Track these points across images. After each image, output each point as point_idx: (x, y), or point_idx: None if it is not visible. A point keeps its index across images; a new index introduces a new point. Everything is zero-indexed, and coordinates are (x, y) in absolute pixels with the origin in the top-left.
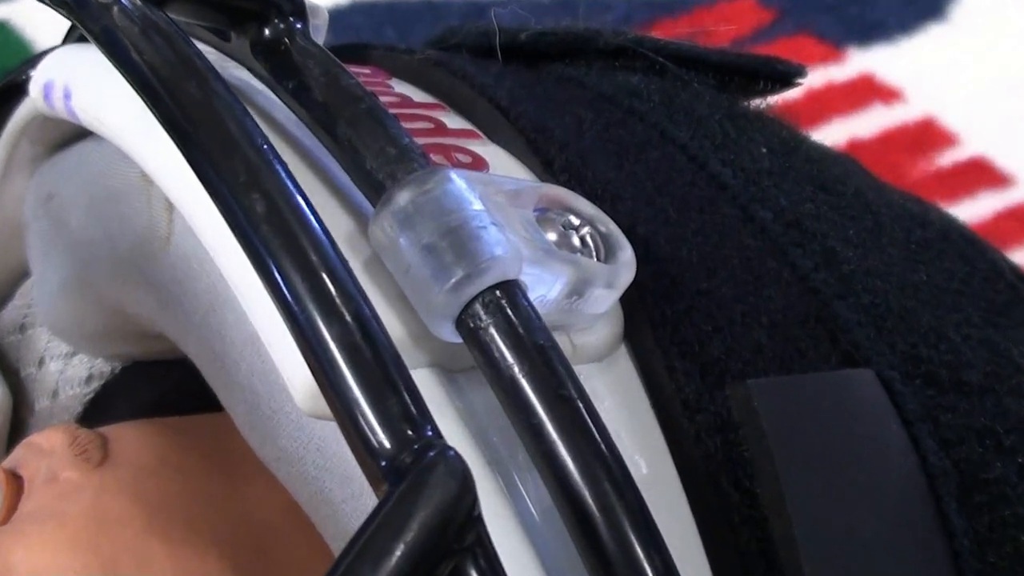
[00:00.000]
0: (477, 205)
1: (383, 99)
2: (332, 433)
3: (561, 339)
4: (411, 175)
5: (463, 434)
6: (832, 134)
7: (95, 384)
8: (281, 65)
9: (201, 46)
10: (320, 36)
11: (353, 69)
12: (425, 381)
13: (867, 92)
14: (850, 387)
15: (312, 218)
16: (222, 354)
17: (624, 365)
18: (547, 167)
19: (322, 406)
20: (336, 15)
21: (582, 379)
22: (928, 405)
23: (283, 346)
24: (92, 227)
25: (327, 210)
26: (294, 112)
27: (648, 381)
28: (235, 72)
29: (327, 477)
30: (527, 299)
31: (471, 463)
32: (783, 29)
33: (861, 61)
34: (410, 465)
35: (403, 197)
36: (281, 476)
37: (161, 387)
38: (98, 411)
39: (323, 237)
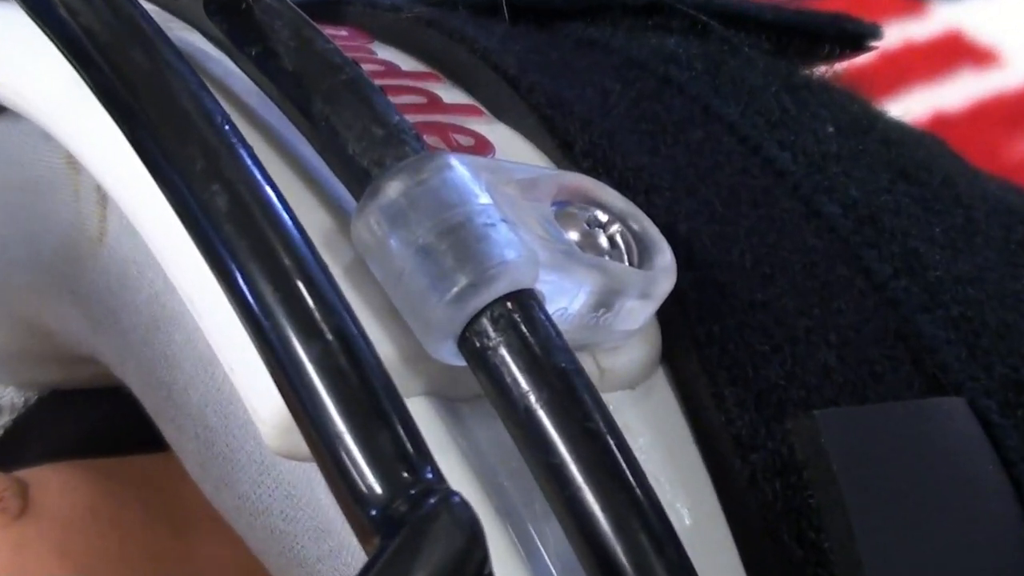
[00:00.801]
0: (484, 198)
1: (364, 68)
2: (304, 476)
3: (586, 361)
4: (403, 161)
5: (468, 477)
6: (912, 106)
7: (5, 418)
8: (241, 27)
9: (144, 3)
10: None
11: (327, 31)
12: (421, 412)
13: (955, 53)
14: (937, 419)
15: (285, 215)
16: (168, 381)
17: (662, 393)
18: (566, 151)
19: (295, 443)
20: None
21: (611, 410)
22: None
23: (248, 370)
24: (3, 225)
25: (300, 204)
26: (257, 84)
27: (692, 412)
28: (183, 35)
29: (298, 531)
30: (545, 312)
31: (478, 512)
32: None
33: (947, 15)
34: (406, 514)
35: (393, 188)
36: (241, 529)
37: (87, 421)
38: (9, 451)
39: (299, 238)
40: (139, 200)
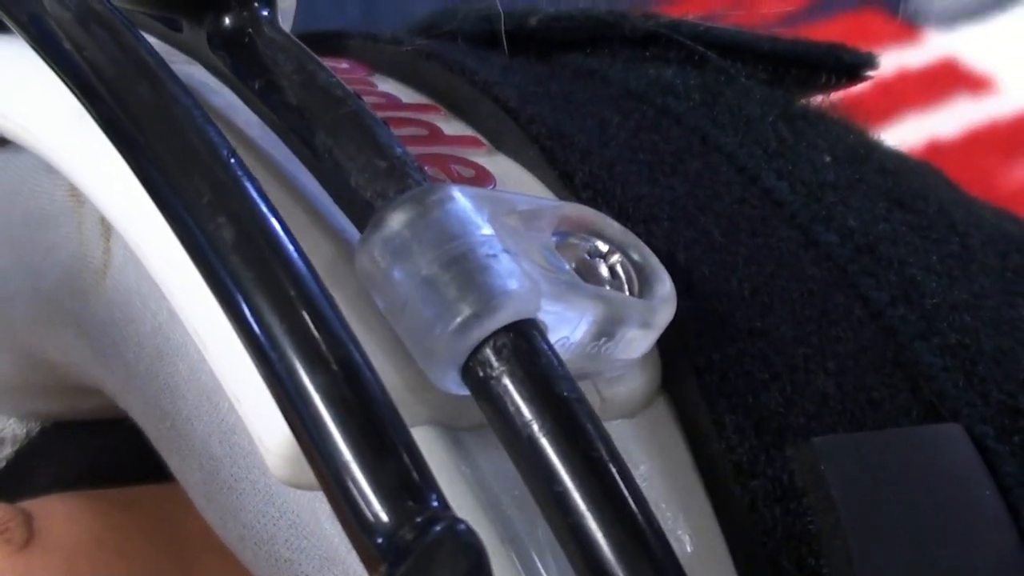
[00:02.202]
0: (486, 229)
1: (365, 100)
2: (308, 505)
3: (587, 390)
4: (405, 193)
5: (472, 505)
6: (907, 133)
7: (7, 450)
8: (245, 60)
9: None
10: (287, 23)
11: (328, 63)
12: (426, 441)
13: (949, 81)
14: (935, 445)
15: (291, 247)
16: (172, 412)
17: (663, 421)
18: (566, 181)
19: (301, 472)
20: None
21: (612, 438)
22: None
23: (253, 400)
24: (5, 257)
25: (305, 236)
26: (261, 117)
27: (692, 440)
28: (187, 69)
29: (303, 560)
30: (547, 342)
31: (482, 540)
32: (845, 2)
33: (942, 42)
34: (412, 542)
35: (396, 220)
36: (246, 559)
37: (90, 453)
38: (11, 483)
39: (305, 269)
40: (144, 232)
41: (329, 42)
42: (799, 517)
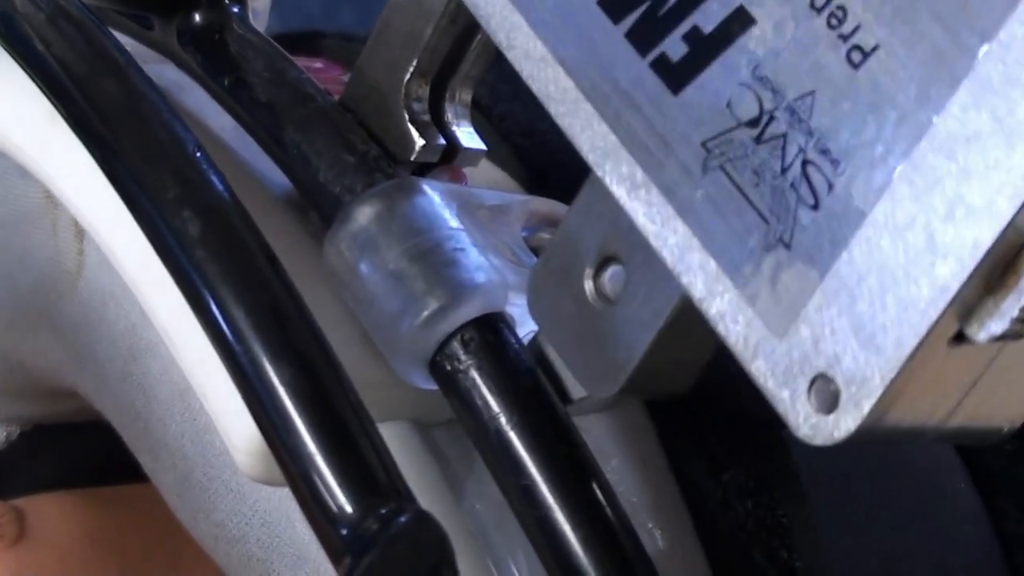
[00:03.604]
0: (454, 223)
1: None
2: (279, 505)
3: None
4: (373, 188)
5: (440, 500)
6: None
7: None
8: (215, 57)
9: (118, 36)
10: (260, 22)
11: (302, 62)
12: (395, 438)
13: None
14: None
15: (257, 241)
16: (145, 412)
17: (636, 416)
18: (539, 179)
19: (269, 469)
20: None
21: (584, 433)
22: (1009, 456)
23: (221, 396)
24: None
25: (272, 231)
26: (231, 113)
27: (665, 435)
28: (158, 66)
29: (275, 558)
30: (515, 335)
31: (449, 534)
32: None
33: None
34: (377, 533)
35: (364, 214)
36: (218, 557)
37: (70, 455)
38: None
39: (270, 264)
40: (113, 230)
41: (305, 41)
42: (771, 510)
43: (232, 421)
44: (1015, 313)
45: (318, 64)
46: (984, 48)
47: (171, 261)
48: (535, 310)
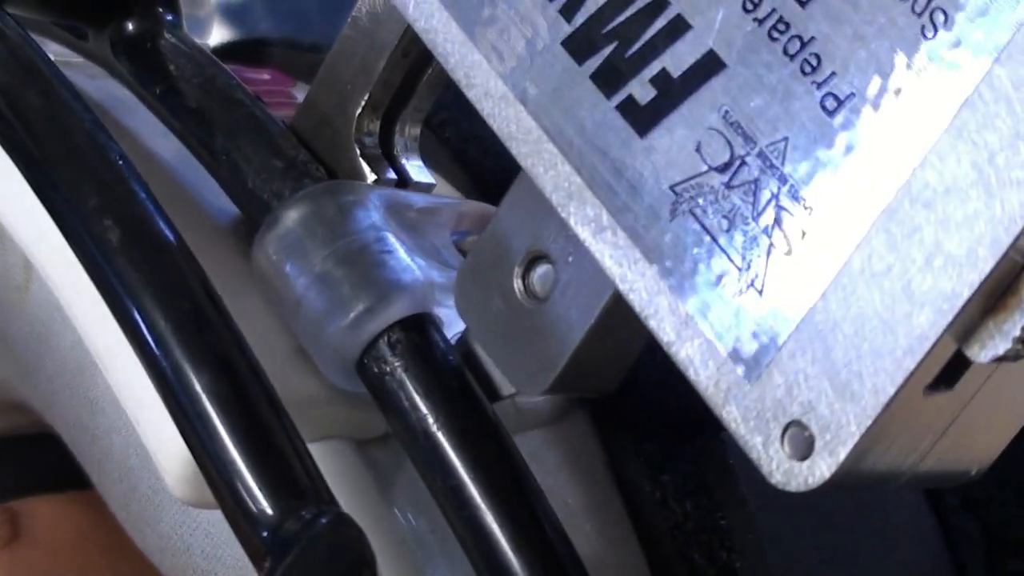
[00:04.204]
0: (381, 226)
1: (279, 112)
2: (222, 516)
3: (502, 400)
4: (300, 192)
5: (370, 509)
6: None
7: None
8: (147, 66)
9: (53, 47)
10: (205, 30)
11: (250, 75)
12: (329, 454)
13: None
14: None
15: (177, 248)
16: (92, 425)
17: (580, 431)
18: (479, 185)
19: (199, 491)
20: None
21: (528, 449)
22: None
23: (153, 421)
24: None
25: (201, 237)
26: (163, 121)
27: (605, 438)
28: (90, 76)
29: (219, 569)
30: (443, 337)
31: (380, 541)
32: None
33: None
34: (297, 534)
35: (290, 218)
36: (165, 569)
37: (34, 466)
38: None
39: (191, 271)
40: (40, 240)
41: (252, 51)
42: (711, 512)
43: (164, 446)
44: (1016, 333)
45: (265, 76)
46: (964, 97)
47: (93, 269)
48: (463, 308)
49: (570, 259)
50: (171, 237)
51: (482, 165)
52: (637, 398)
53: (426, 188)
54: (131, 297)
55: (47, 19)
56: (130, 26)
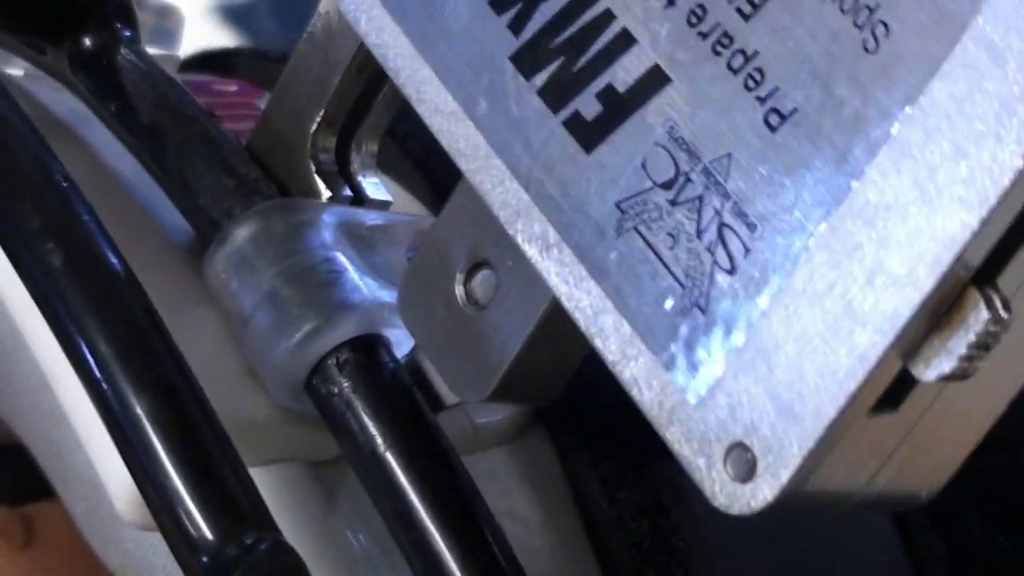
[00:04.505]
0: (331, 244)
1: (246, 125)
2: None
3: (459, 419)
4: (250, 209)
5: (319, 527)
6: None
7: None
8: (103, 82)
9: (15, 67)
10: (175, 41)
11: (218, 87)
12: (279, 478)
13: None
14: None
15: (121, 270)
16: (57, 439)
17: (539, 448)
18: (441, 195)
19: (147, 515)
20: None
21: (486, 467)
22: None
23: (100, 444)
24: None
25: (156, 254)
26: (118, 137)
27: (563, 459)
28: (54, 88)
29: None
30: (393, 357)
31: (330, 563)
32: None
33: None
34: (236, 560)
35: (239, 236)
36: None
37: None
38: None
39: (132, 294)
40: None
41: (221, 61)
42: (667, 533)
43: (112, 468)
44: (962, 351)
45: (233, 88)
46: (904, 112)
47: (36, 293)
48: (405, 314)
49: (511, 265)
50: (115, 260)
51: (445, 176)
52: (595, 416)
53: (382, 206)
54: (73, 321)
55: (4, 35)
56: (87, 41)
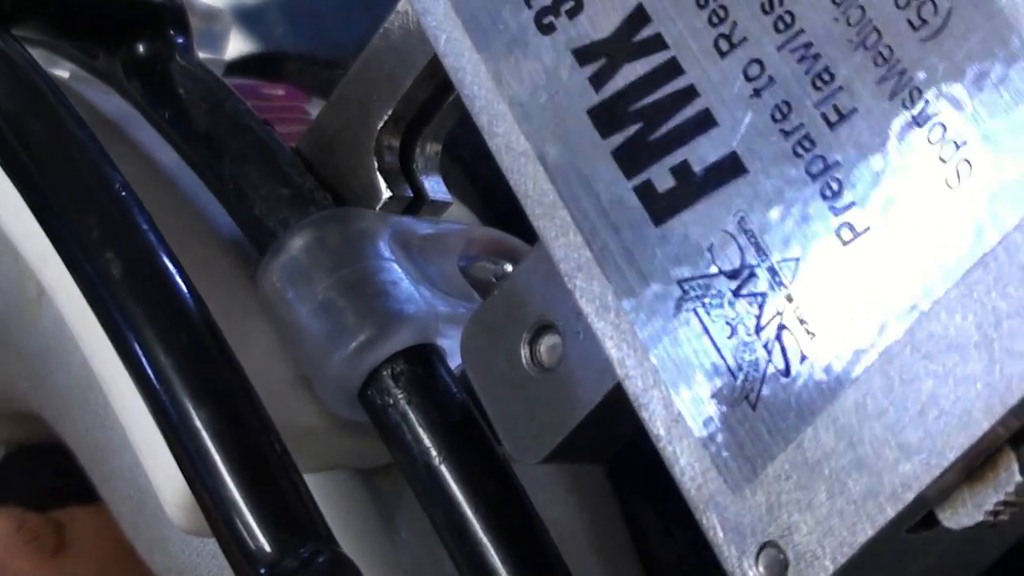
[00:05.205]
0: (385, 254)
1: (293, 128)
2: None
3: None
4: (305, 220)
5: (370, 537)
6: None
7: None
8: (157, 89)
9: (62, 69)
10: (221, 45)
11: (265, 90)
12: (331, 486)
13: None
14: None
15: (180, 281)
16: (102, 441)
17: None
18: (489, 202)
19: (200, 520)
20: None
21: (534, 477)
22: None
23: (154, 449)
24: None
25: (210, 259)
26: (172, 145)
27: (611, 469)
28: (108, 96)
29: None
30: (447, 368)
31: (381, 572)
32: None
33: None
34: (295, 572)
35: (295, 246)
36: None
37: (57, 474)
38: None
39: (193, 304)
40: (50, 266)
41: (269, 65)
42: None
43: (164, 474)
44: (989, 507)
45: (280, 92)
46: (979, 255)
47: (95, 302)
48: (468, 361)
49: (580, 336)
50: (173, 270)
51: (495, 183)
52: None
53: (442, 206)
54: (132, 331)
55: (57, 41)
56: (140, 48)
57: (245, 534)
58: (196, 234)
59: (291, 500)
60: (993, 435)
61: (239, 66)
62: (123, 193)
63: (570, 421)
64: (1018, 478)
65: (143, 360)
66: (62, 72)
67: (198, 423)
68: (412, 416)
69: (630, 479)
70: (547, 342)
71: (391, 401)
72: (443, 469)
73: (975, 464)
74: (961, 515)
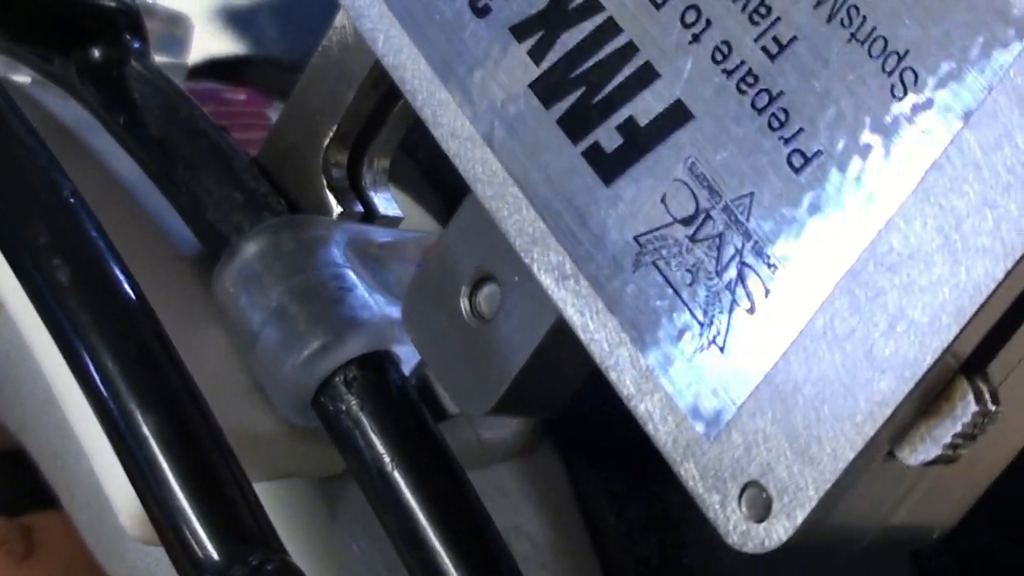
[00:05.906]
0: (340, 261)
1: (254, 135)
2: None
3: (466, 434)
4: (259, 225)
5: (325, 544)
6: None
7: None
8: (112, 94)
9: (22, 74)
10: (183, 48)
11: (227, 95)
12: (284, 495)
13: None
14: None
15: (128, 288)
16: (62, 450)
17: (547, 464)
18: (450, 206)
19: (152, 531)
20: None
21: (494, 483)
22: None
23: (107, 458)
24: None
25: (162, 274)
26: (126, 151)
27: (572, 474)
28: (62, 96)
29: None
30: (401, 375)
31: None
32: None
33: None
34: None
35: (248, 251)
36: None
37: (39, 481)
38: None
39: (140, 311)
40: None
41: (232, 68)
42: (676, 548)
43: (118, 484)
44: (947, 440)
45: (242, 96)
46: (931, 160)
47: (42, 308)
48: (409, 326)
49: (516, 281)
50: (122, 278)
51: (454, 187)
52: (604, 431)
53: (393, 221)
54: (79, 338)
55: (11, 46)
56: (95, 53)
57: (192, 542)
58: (152, 241)
59: (239, 508)
60: (944, 367)
61: (202, 70)
62: (71, 200)
63: (512, 367)
64: (974, 407)
65: (90, 367)
66: (22, 77)
67: (145, 430)
68: (365, 422)
69: (591, 481)
70: (485, 292)
71: (344, 408)
72: (396, 475)
73: (929, 399)
74: (919, 452)
